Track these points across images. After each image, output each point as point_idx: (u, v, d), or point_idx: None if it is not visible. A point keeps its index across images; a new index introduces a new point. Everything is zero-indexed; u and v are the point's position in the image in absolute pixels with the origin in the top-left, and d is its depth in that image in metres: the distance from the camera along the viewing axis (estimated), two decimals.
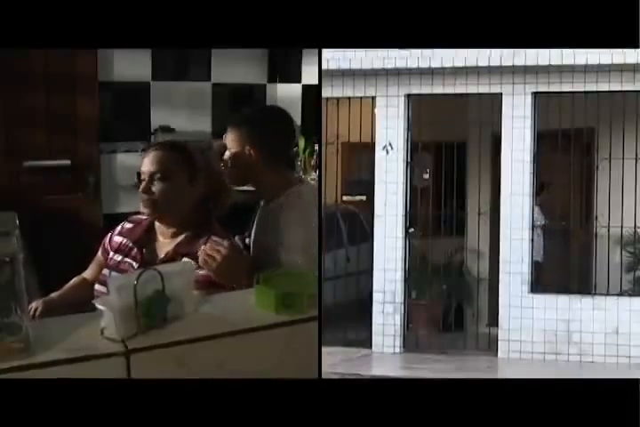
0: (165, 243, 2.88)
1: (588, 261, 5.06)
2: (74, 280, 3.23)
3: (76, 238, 5.39)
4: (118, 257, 2.96)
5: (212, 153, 3.16)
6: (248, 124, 3.10)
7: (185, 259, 2.68)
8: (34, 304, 2.98)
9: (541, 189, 5.13)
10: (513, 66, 4.87)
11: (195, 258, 2.59)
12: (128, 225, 3.05)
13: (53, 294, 3.11)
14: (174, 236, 2.86)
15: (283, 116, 3.25)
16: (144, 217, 2.96)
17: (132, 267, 2.85)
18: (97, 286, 2.97)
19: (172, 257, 2.74)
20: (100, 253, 3.15)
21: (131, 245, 2.94)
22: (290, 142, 3.27)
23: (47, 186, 5.42)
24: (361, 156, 5.70)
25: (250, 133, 3.06)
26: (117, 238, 3.03)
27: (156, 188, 2.81)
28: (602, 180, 5.00)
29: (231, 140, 3.08)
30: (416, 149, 5.18)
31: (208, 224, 2.87)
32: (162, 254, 2.84)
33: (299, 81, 6.60)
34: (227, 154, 3.10)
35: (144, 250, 2.90)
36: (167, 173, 2.80)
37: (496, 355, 4.89)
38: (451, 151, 5.19)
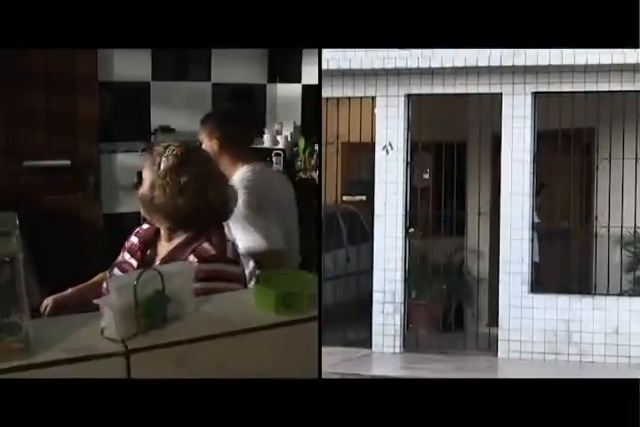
0: (165, 245, 2.88)
1: (588, 261, 5.06)
2: (98, 276, 3.25)
3: (76, 238, 5.40)
4: (127, 256, 2.98)
5: (205, 152, 3.13)
6: (211, 120, 3.97)
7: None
8: (48, 299, 3.02)
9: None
10: (513, 66, 4.87)
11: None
12: (145, 226, 3.06)
13: (72, 289, 3.13)
14: (172, 239, 2.86)
15: (238, 113, 4.36)
16: None
17: (132, 267, 2.86)
18: (105, 285, 2.99)
19: (167, 260, 2.73)
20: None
21: (138, 246, 2.95)
22: (245, 133, 4.09)
23: (47, 186, 5.42)
24: (361, 156, 5.70)
25: (212, 127, 3.90)
26: (133, 239, 3.05)
27: (141, 190, 2.81)
28: (602, 180, 5.00)
29: (201, 135, 3.93)
30: (416, 149, 5.17)
31: (205, 228, 2.82)
32: (160, 257, 2.84)
33: (299, 81, 6.60)
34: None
35: (148, 251, 2.91)
36: (152, 177, 2.79)
37: (496, 355, 4.89)
38: (451, 151, 5.19)
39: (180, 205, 2.74)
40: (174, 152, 2.79)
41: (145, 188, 2.80)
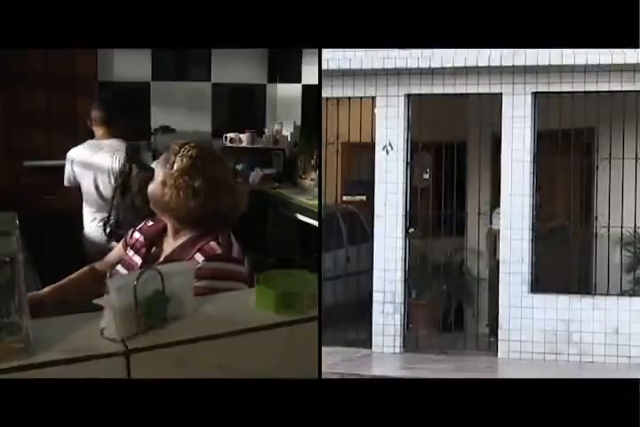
0: (171, 243, 2.87)
1: (588, 261, 5.06)
2: (76, 273, 3.19)
3: (76, 238, 5.39)
4: (130, 253, 2.97)
5: (218, 154, 3.10)
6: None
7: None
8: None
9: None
10: (513, 66, 4.87)
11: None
12: (150, 223, 3.05)
13: (48, 288, 3.07)
14: (179, 236, 2.85)
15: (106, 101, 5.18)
16: None
17: (136, 265, 2.85)
18: (87, 280, 3.01)
19: (171, 258, 2.73)
20: (120, 246, 3.14)
21: (143, 242, 2.95)
22: (104, 116, 4.92)
23: (47, 186, 5.42)
24: (361, 156, 5.70)
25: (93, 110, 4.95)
26: (136, 235, 3.03)
27: (152, 186, 2.81)
28: (602, 180, 5.00)
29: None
30: (416, 149, 5.17)
31: (211, 227, 2.81)
32: (165, 254, 2.83)
33: (299, 81, 6.61)
34: None
35: (153, 249, 2.90)
36: (164, 175, 2.78)
37: (496, 355, 4.89)
38: (451, 151, 5.19)
39: (191, 206, 2.73)
40: (189, 153, 2.77)
41: (156, 184, 2.80)
